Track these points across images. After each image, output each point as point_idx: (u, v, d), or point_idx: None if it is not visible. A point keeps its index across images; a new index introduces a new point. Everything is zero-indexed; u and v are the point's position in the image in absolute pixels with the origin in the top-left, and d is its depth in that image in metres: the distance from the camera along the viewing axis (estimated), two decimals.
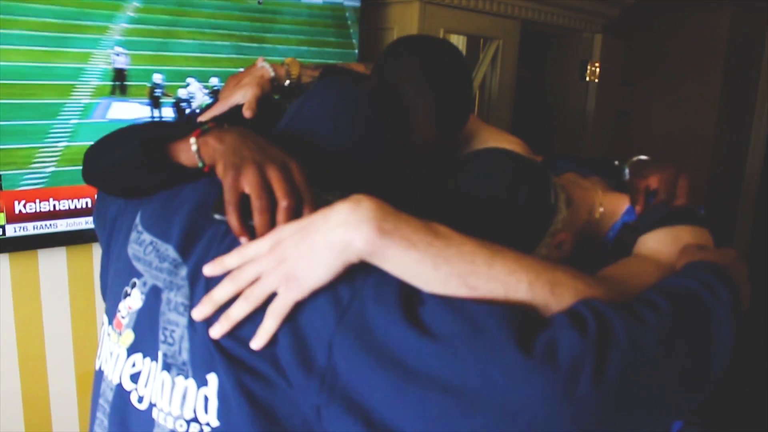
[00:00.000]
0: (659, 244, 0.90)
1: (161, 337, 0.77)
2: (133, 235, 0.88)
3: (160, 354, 0.78)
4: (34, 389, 1.63)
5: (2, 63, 1.40)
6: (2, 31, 1.39)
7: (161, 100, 1.67)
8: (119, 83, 1.58)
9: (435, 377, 0.61)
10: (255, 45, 1.83)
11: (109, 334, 0.88)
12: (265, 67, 1.26)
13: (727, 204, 3.90)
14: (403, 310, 0.65)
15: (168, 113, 1.68)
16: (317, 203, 0.75)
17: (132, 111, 1.61)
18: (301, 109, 0.93)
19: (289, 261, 0.68)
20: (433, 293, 0.67)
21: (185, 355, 0.75)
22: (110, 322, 0.88)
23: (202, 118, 1.21)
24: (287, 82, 1.28)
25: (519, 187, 0.93)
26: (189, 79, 1.72)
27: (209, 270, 0.74)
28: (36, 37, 1.44)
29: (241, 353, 0.70)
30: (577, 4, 2.55)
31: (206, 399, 0.73)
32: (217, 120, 1.15)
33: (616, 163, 1.14)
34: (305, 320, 0.68)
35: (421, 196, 0.98)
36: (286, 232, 0.71)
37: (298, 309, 0.68)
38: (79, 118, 1.52)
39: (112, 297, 0.89)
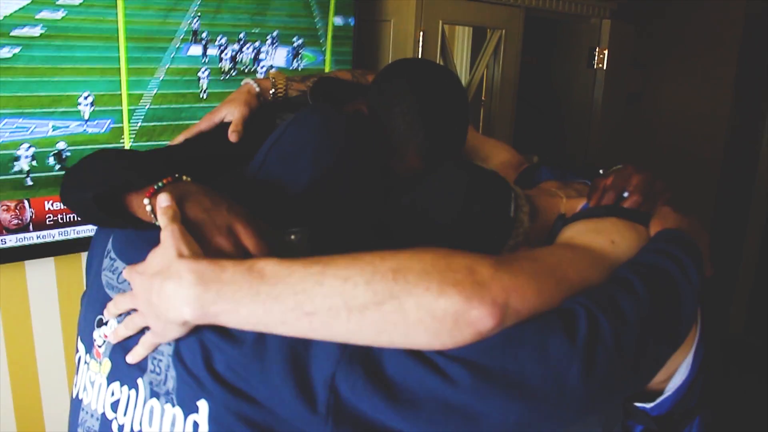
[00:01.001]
0: (574, 231, 0.90)
1: (150, 366, 0.78)
2: (106, 262, 0.89)
3: (143, 382, 0.79)
4: (26, 401, 1.62)
5: None
6: None
7: None
8: None
9: (441, 402, 0.66)
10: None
11: (87, 363, 0.88)
12: (250, 83, 1.25)
13: (742, 186, 3.83)
14: None
15: None
16: (278, 243, 0.78)
17: None
18: (283, 136, 0.94)
19: (147, 318, 0.75)
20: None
21: (171, 384, 0.76)
22: (88, 351, 0.88)
23: (187, 135, 1.22)
24: (272, 94, 1.26)
25: (473, 201, 0.92)
26: None
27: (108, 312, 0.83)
28: None
29: (237, 382, 0.71)
30: None
31: (195, 425, 0.73)
32: (189, 151, 1.16)
33: (601, 171, 1.11)
34: (306, 354, 0.69)
35: (380, 213, 0.98)
36: (138, 287, 0.75)
37: (298, 342, 0.69)
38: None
39: (86, 325, 0.90)
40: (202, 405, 0.73)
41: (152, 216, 0.81)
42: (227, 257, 0.75)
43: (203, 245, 0.76)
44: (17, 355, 1.58)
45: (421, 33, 1.98)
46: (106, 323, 0.86)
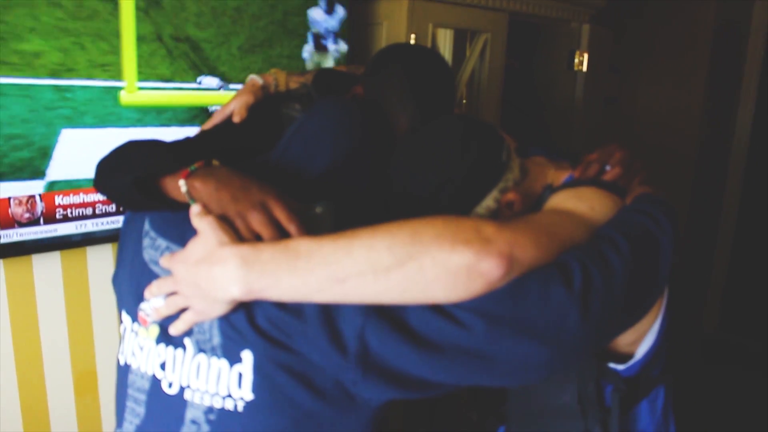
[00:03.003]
0: (559, 198, 0.99)
1: (195, 328, 0.87)
2: (146, 241, 0.97)
3: (190, 341, 0.88)
4: (32, 392, 1.65)
5: None
6: None
7: None
8: None
9: (459, 347, 0.76)
10: None
11: (135, 331, 0.96)
12: (254, 78, 1.37)
13: (713, 186, 3.95)
14: None
15: None
16: (306, 217, 0.86)
17: None
18: (306, 122, 1.03)
19: (191, 300, 0.83)
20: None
21: (216, 340, 0.85)
22: (134, 321, 0.97)
23: (204, 127, 1.32)
24: (275, 87, 1.36)
25: (470, 139, 1.01)
26: None
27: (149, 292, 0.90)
28: None
29: (278, 335, 0.81)
30: None
31: (240, 375, 0.83)
32: (210, 141, 1.24)
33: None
34: (338, 313, 0.78)
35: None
36: (182, 274, 0.83)
37: (331, 305, 0.78)
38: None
39: (132, 299, 0.98)
40: (246, 355, 0.83)
41: (187, 196, 0.89)
42: (264, 234, 0.83)
43: (239, 224, 0.83)
44: (23, 347, 1.62)
45: (413, 36, 2.06)
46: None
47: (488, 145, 1.03)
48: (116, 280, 1.08)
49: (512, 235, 0.78)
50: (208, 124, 1.32)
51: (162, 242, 0.95)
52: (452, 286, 0.75)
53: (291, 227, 0.83)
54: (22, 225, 1.50)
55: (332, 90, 1.30)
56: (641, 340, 1.03)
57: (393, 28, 2.09)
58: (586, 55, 2.74)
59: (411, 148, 1.04)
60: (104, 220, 1.64)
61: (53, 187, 1.53)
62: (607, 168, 1.06)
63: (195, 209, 0.84)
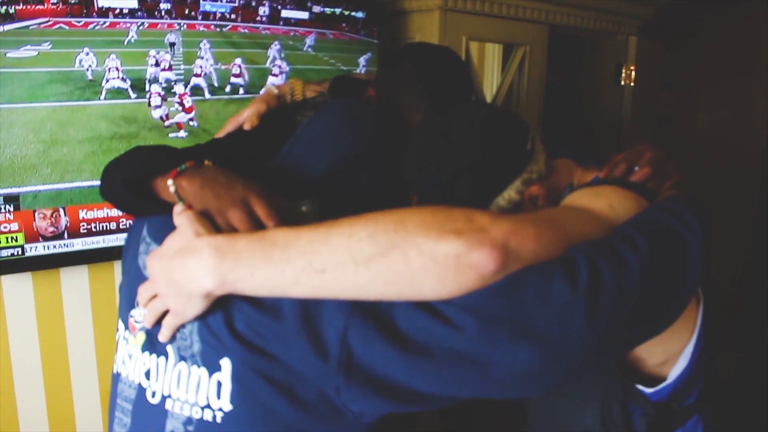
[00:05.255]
0: (575, 195, 0.91)
1: (178, 334, 0.84)
2: (142, 247, 0.95)
3: (172, 348, 0.85)
4: (59, 405, 1.65)
5: None
6: None
7: None
8: None
9: (450, 351, 0.68)
10: None
11: (126, 339, 0.94)
12: (270, 87, 1.38)
13: None
14: None
15: None
16: (291, 214, 0.83)
17: None
18: (311, 123, 1.02)
19: (168, 298, 0.80)
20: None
21: (196, 347, 0.81)
22: (126, 328, 0.95)
23: (217, 135, 1.32)
24: (290, 96, 1.34)
25: (493, 129, 0.95)
26: None
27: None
28: None
29: (257, 340, 0.76)
30: (607, 6, 2.47)
31: (219, 384, 0.79)
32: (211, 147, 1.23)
33: None
34: (318, 312, 0.73)
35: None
36: (158, 271, 0.80)
37: (310, 301, 0.73)
38: None
39: (126, 305, 0.96)
40: (225, 363, 0.79)
41: (175, 195, 0.87)
42: (242, 230, 0.79)
43: (219, 220, 0.81)
44: (51, 361, 1.63)
45: None
46: None
47: (512, 131, 0.97)
48: (120, 289, 1.06)
49: (510, 225, 0.70)
50: (221, 133, 1.31)
51: (155, 247, 0.92)
52: (440, 279, 0.68)
53: (269, 223, 0.80)
54: (46, 239, 1.51)
55: (347, 95, 1.27)
56: (674, 361, 0.92)
57: (425, 41, 2.05)
58: (633, 69, 2.63)
59: (427, 134, 0.99)
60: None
61: None
62: (636, 169, 0.98)
63: (177, 208, 0.82)
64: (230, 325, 0.77)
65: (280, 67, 1.87)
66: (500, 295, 0.68)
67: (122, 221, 1.63)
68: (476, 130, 0.95)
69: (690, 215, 0.81)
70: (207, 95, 1.75)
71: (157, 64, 1.67)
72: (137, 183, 0.93)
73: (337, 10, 1.97)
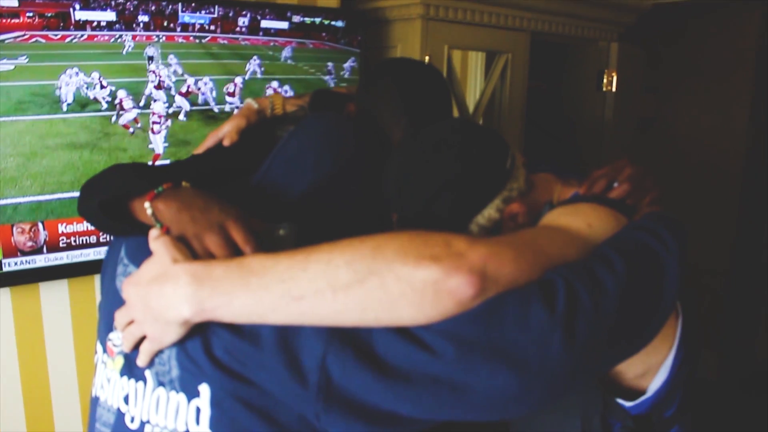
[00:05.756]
0: (553, 214, 0.91)
1: (156, 359, 0.82)
2: (120, 268, 0.94)
3: (150, 373, 0.83)
4: (39, 420, 1.63)
5: None
6: None
7: None
8: None
9: (428, 375, 0.68)
10: None
11: (104, 362, 0.93)
12: (250, 102, 1.35)
13: (761, 209, 3.76)
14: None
15: None
16: (269, 238, 0.82)
17: None
18: (290, 140, 1.00)
19: (144, 325, 0.79)
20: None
21: (174, 372, 0.80)
22: (105, 351, 0.93)
23: (197, 151, 1.30)
24: (270, 110, 1.33)
25: (471, 146, 0.95)
26: None
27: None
28: None
29: (235, 366, 0.75)
30: (588, 13, 2.49)
31: (198, 410, 0.78)
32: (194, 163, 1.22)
33: None
34: (296, 338, 0.72)
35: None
36: (134, 297, 0.79)
37: (288, 327, 0.72)
38: None
39: (104, 328, 0.95)
40: (204, 389, 0.77)
41: (153, 218, 0.86)
42: (219, 255, 0.79)
43: (195, 245, 0.80)
44: (31, 378, 1.61)
45: (427, 58, 2.01)
46: None
47: (491, 149, 0.97)
48: (99, 309, 1.05)
49: (487, 249, 0.70)
50: (200, 148, 1.30)
51: (133, 269, 0.91)
52: (418, 305, 0.68)
53: (246, 249, 0.79)
54: (25, 253, 1.50)
55: (329, 111, 1.27)
56: (653, 374, 0.93)
57: (407, 50, 2.06)
58: (615, 75, 2.65)
59: (407, 152, 0.98)
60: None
61: None
62: (615, 185, 0.98)
63: (154, 232, 0.81)
64: (208, 350, 0.77)
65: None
66: (478, 320, 0.68)
67: (103, 235, 1.61)
68: (455, 149, 0.95)
69: (667, 233, 0.82)
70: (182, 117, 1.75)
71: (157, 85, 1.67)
72: (115, 203, 0.92)
73: (317, 20, 1.97)
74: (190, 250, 0.80)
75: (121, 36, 1.64)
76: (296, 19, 1.93)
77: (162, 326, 0.77)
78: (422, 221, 0.95)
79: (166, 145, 1.74)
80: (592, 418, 0.96)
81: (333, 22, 2.00)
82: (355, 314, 0.69)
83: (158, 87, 1.71)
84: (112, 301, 0.93)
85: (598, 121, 2.68)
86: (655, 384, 0.93)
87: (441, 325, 0.69)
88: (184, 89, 1.76)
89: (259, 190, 0.98)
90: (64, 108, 1.54)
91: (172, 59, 1.72)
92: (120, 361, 0.88)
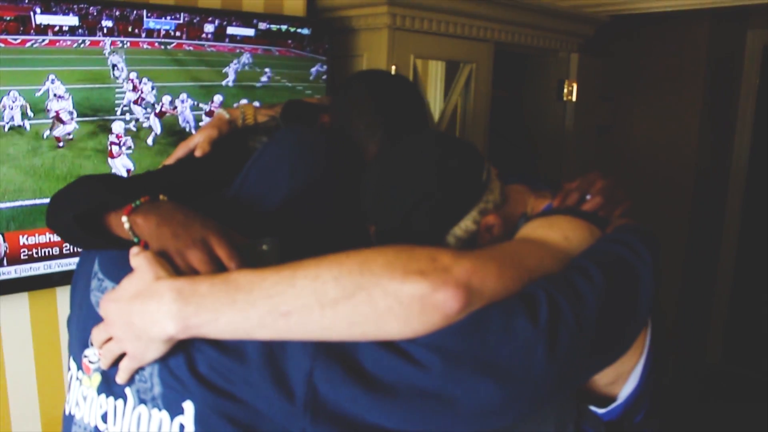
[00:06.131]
0: (530, 227, 0.93)
1: (137, 376, 0.81)
2: (94, 283, 0.92)
3: (131, 391, 0.82)
4: None
5: None
6: None
7: None
8: None
9: (415, 389, 0.69)
10: None
11: (79, 379, 0.91)
12: (221, 111, 1.34)
13: (713, 214, 3.89)
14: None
15: None
16: (251, 254, 0.81)
17: None
18: (264, 152, 0.99)
19: (125, 342, 0.77)
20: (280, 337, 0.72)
21: (157, 389, 0.79)
22: (79, 368, 0.91)
23: (167, 162, 1.28)
24: (242, 121, 1.32)
25: (449, 157, 0.96)
26: None
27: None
28: None
29: (220, 382, 0.74)
30: (550, 25, 2.53)
31: (182, 427, 0.77)
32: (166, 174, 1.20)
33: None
34: (282, 353, 0.72)
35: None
36: (114, 314, 0.78)
37: (274, 342, 0.72)
38: None
39: (78, 344, 0.93)
40: (188, 406, 0.76)
41: (130, 233, 0.85)
42: (203, 272, 0.78)
43: (178, 261, 0.79)
44: None
45: (393, 67, 2.02)
46: None
47: (468, 161, 0.98)
48: (68, 323, 1.02)
49: (471, 263, 0.72)
50: (171, 159, 1.28)
51: (109, 284, 0.90)
52: (405, 320, 0.69)
53: (231, 264, 0.78)
54: None
55: (301, 121, 1.26)
56: (623, 381, 0.95)
57: (373, 59, 2.06)
58: (575, 85, 2.70)
59: (384, 165, 0.99)
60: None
61: None
62: (588, 197, 1.01)
63: (134, 249, 0.80)
64: (192, 367, 0.76)
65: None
66: (463, 333, 0.70)
67: (66, 247, 1.57)
68: (433, 161, 0.96)
69: (641, 246, 0.84)
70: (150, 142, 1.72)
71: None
72: (89, 217, 0.90)
73: (283, 27, 1.96)
74: (172, 265, 0.79)
75: (84, 41, 1.60)
76: (262, 26, 1.92)
77: (144, 343, 0.76)
78: (400, 233, 0.96)
79: (131, 170, 1.70)
80: (566, 425, 0.97)
81: (299, 30, 1.99)
82: (343, 329, 0.70)
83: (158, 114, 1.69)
84: (87, 316, 0.91)
85: (558, 130, 2.74)
86: (625, 391, 0.95)
87: (427, 338, 0.70)
88: (158, 108, 1.73)
89: (234, 203, 0.98)
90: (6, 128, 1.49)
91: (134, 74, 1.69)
92: (97, 379, 0.87)
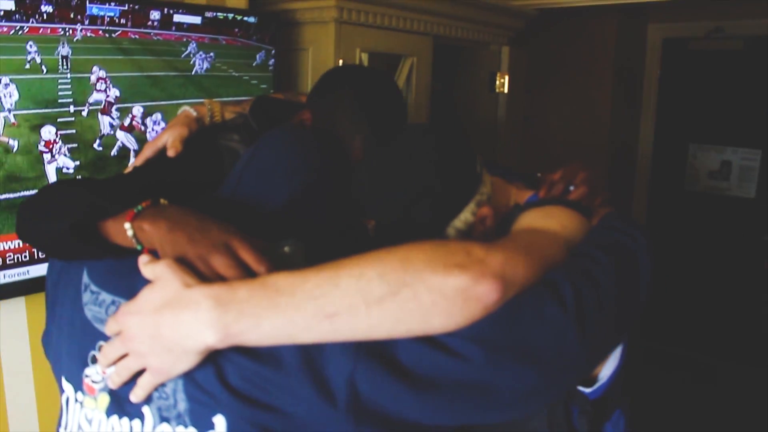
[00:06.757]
0: (530, 218, 0.97)
1: (156, 394, 0.77)
2: (87, 296, 0.87)
3: (149, 409, 0.78)
4: None
5: None
6: None
7: None
8: None
9: (458, 381, 0.71)
10: None
11: (80, 401, 0.86)
12: (187, 109, 1.29)
13: (623, 196, 4.12)
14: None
15: None
16: (273, 256, 0.78)
17: None
18: (256, 154, 0.96)
19: (148, 357, 0.74)
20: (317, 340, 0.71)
21: (182, 406, 0.75)
22: (78, 389, 0.86)
23: (136, 163, 1.23)
24: (210, 118, 1.30)
25: (447, 149, 1.00)
26: None
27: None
28: None
29: (255, 393, 0.72)
30: (484, 18, 2.60)
31: None
32: (151, 183, 1.14)
33: (539, 174, 1.22)
34: (320, 356, 0.71)
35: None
36: (135, 328, 0.74)
37: (310, 346, 0.71)
38: None
39: (73, 364, 0.87)
40: (219, 420, 0.74)
41: (134, 240, 0.81)
42: (230, 277, 0.75)
43: (201, 267, 0.76)
44: None
45: (341, 61, 2.03)
46: None
47: (464, 154, 1.01)
48: (48, 340, 0.96)
49: (503, 255, 0.75)
50: (140, 159, 1.23)
51: (106, 296, 0.85)
52: (449, 313, 0.71)
53: (260, 268, 0.76)
54: None
55: (271, 118, 1.24)
56: (605, 361, 1.02)
57: (319, 53, 2.06)
58: (507, 77, 2.80)
59: (383, 160, 1.00)
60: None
61: None
62: (571, 188, 1.06)
63: (144, 257, 0.77)
64: (223, 379, 0.73)
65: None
66: (500, 323, 0.72)
67: (25, 254, 1.49)
68: (432, 155, 0.98)
69: (634, 230, 0.91)
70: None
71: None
72: (81, 226, 0.85)
73: (230, 15, 1.92)
74: (194, 272, 0.75)
75: (22, 28, 1.51)
76: (209, 14, 1.87)
77: (176, 356, 0.73)
78: (401, 227, 0.98)
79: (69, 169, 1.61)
80: (557, 406, 1.03)
81: (246, 18, 1.95)
82: (389, 327, 0.70)
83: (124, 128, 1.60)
84: (83, 332, 0.86)
85: (491, 121, 2.83)
86: (607, 370, 1.00)
87: (467, 331, 0.72)
88: (126, 121, 1.65)
89: (230, 205, 0.94)
90: None
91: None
92: (105, 399, 0.82)
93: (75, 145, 1.59)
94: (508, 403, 0.74)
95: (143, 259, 0.77)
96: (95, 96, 1.63)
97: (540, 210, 0.98)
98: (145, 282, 0.77)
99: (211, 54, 1.89)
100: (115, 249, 0.84)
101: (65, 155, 1.57)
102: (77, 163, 1.59)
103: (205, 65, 1.88)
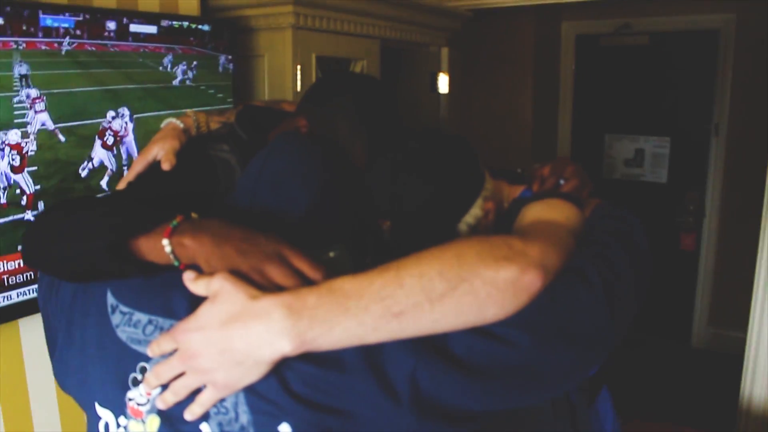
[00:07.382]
0: (536, 211, 1.02)
1: (213, 410, 0.77)
2: (118, 318, 0.85)
3: (208, 426, 0.77)
4: None
5: None
6: None
7: None
8: None
9: (509, 367, 0.75)
10: None
11: (123, 426, 0.83)
12: (173, 121, 1.26)
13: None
14: None
15: None
16: (321, 263, 0.79)
17: None
18: (266, 165, 0.94)
19: (213, 372, 0.74)
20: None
21: (244, 418, 0.76)
22: (120, 414, 0.84)
23: (128, 178, 1.19)
24: (197, 129, 1.28)
25: (458, 150, 1.06)
26: None
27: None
28: None
29: (319, 398, 0.73)
30: (425, 20, 2.66)
31: None
32: (160, 185, 1.13)
33: (519, 170, 1.30)
34: (381, 355, 0.73)
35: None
36: (199, 344, 0.74)
37: (372, 348, 0.73)
38: None
39: (108, 387, 0.85)
40: (284, 428, 0.74)
41: (172, 256, 0.79)
42: (288, 285, 0.76)
43: (257, 279, 0.76)
44: None
45: (299, 66, 2.02)
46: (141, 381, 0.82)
47: (471, 154, 1.07)
48: (64, 364, 0.92)
49: (539, 244, 0.80)
50: (131, 174, 1.19)
51: (141, 316, 0.83)
52: (502, 303, 0.75)
53: (317, 275, 0.77)
54: None
55: (257, 127, 1.23)
56: None
57: (275, 59, 2.05)
58: (447, 76, 2.86)
59: (397, 163, 1.04)
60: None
61: None
62: (561, 181, 1.12)
63: (190, 274, 0.76)
64: (286, 387, 0.74)
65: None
66: (542, 308, 0.78)
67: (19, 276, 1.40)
68: (445, 157, 1.04)
69: (629, 217, 0.99)
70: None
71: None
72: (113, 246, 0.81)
73: (185, 24, 1.87)
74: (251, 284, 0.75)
75: None
76: (164, 23, 1.82)
77: (246, 369, 0.73)
78: (416, 225, 1.02)
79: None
80: None
81: (200, 26, 1.91)
82: (450, 321, 0.74)
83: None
84: (119, 355, 0.84)
85: (434, 120, 2.89)
86: None
87: (513, 318, 0.76)
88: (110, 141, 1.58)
89: (252, 217, 0.92)
90: None
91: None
92: (155, 421, 0.80)
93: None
94: (554, 383, 0.80)
95: (189, 276, 0.76)
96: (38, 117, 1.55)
97: (543, 203, 1.04)
98: (181, 298, 0.77)
99: (171, 62, 1.84)
100: (145, 267, 0.82)
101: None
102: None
103: (169, 75, 1.83)
